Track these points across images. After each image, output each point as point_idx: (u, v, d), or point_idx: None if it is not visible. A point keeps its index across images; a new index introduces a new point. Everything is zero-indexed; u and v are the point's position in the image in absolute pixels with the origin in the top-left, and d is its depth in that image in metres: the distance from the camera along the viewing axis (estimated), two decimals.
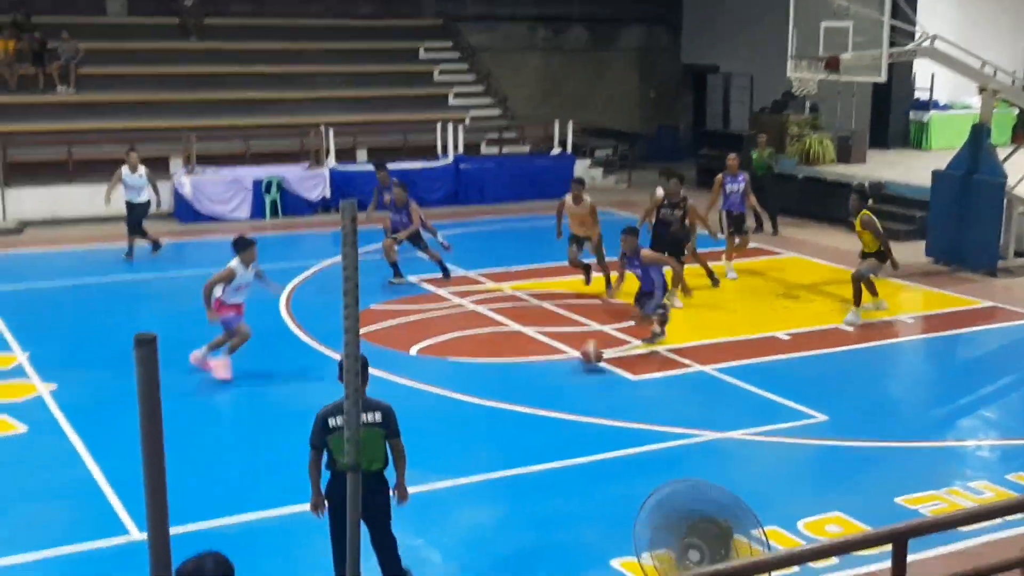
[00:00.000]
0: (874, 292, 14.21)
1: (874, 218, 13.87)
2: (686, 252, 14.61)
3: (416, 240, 15.62)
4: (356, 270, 3.91)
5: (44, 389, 11.22)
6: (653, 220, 14.63)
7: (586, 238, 15.17)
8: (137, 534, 7.93)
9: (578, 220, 15.17)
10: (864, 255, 14.10)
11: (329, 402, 6.76)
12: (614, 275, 13.94)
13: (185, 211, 20.59)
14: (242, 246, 11.44)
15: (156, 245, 17.34)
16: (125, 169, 16.74)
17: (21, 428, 10.19)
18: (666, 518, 5.88)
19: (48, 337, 13.09)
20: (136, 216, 16.94)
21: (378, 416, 6.66)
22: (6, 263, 17.31)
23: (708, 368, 12.14)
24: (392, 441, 6.77)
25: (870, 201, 14.32)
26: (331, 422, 6.66)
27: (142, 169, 16.82)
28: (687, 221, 14.41)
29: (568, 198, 15.30)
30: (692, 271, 15.19)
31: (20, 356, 12.24)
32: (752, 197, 16.50)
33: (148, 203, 17.03)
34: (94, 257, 17.08)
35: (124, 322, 13.27)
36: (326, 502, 6.82)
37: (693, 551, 5.95)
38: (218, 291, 11.34)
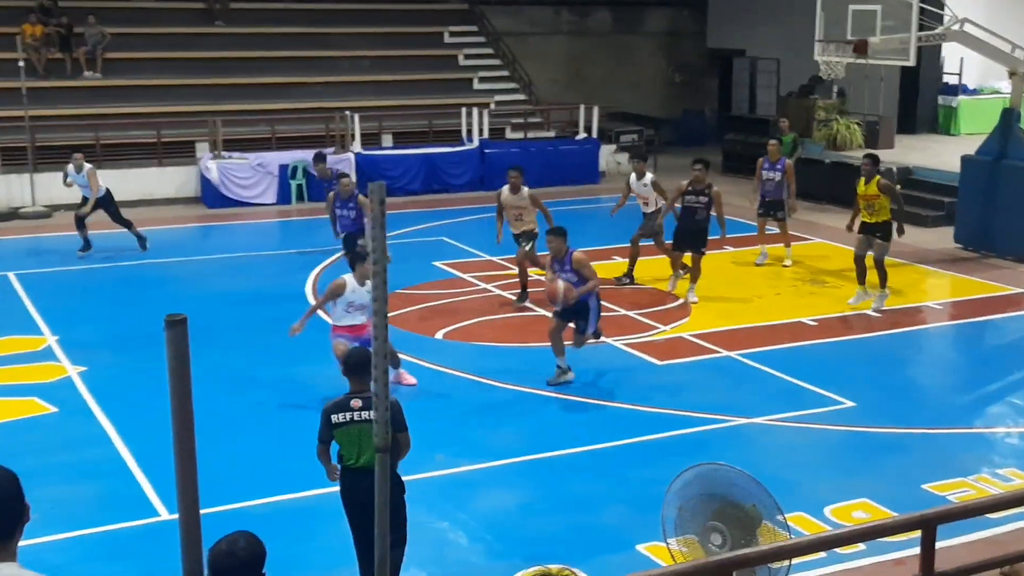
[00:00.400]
0: (863, 281, 13.81)
1: (889, 182, 13.74)
2: (703, 249, 14.02)
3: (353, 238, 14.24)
4: (384, 253, 3.90)
5: (74, 371, 11.32)
6: (679, 206, 14.20)
7: (525, 235, 13.72)
8: (167, 514, 8.00)
9: (515, 214, 13.74)
10: (866, 226, 13.56)
11: (350, 389, 6.76)
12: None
13: (211, 196, 20.67)
14: (359, 259, 10.08)
15: (87, 245, 16.56)
16: (71, 168, 16.51)
17: (52, 409, 10.29)
18: (691, 501, 5.87)
19: (77, 320, 13.19)
20: (84, 212, 16.47)
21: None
22: (36, 246, 17.46)
23: (734, 353, 12.10)
24: (398, 435, 6.53)
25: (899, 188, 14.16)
26: (334, 418, 6.60)
27: (87, 168, 16.46)
28: (713, 210, 13.95)
29: (504, 189, 13.82)
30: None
31: (50, 338, 12.35)
32: (793, 186, 16.24)
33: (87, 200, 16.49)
34: (122, 240, 17.17)
35: (153, 305, 13.33)
36: (341, 500, 6.74)
37: (715, 535, 5.94)
38: (333, 311, 10.30)
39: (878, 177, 13.43)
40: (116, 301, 14.20)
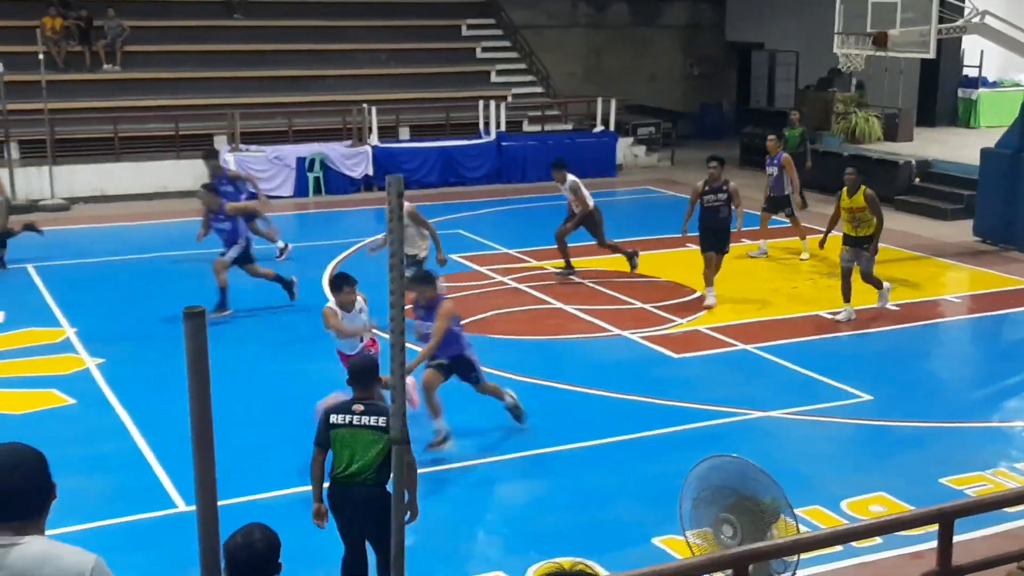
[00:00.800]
0: (850, 297, 12.97)
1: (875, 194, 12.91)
2: (727, 248, 13.73)
3: (242, 257, 13.00)
4: (401, 245, 3.91)
5: (92, 363, 11.37)
6: (698, 206, 13.67)
7: (410, 260, 12.12)
8: (183, 506, 8.04)
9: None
10: (850, 240, 12.87)
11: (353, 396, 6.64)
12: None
13: None
14: (335, 287, 9.30)
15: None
16: None
17: (70, 401, 10.35)
18: (706, 493, 5.87)
19: (95, 312, 13.24)
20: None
21: (382, 421, 6.33)
22: (55, 239, 17.51)
23: (750, 347, 12.08)
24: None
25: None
26: (333, 418, 6.48)
27: None
28: (733, 205, 13.61)
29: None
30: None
31: (68, 331, 12.41)
32: (795, 179, 16.15)
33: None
34: (140, 233, 17.24)
35: (170, 297, 13.38)
36: (330, 510, 6.55)
37: (727, 526, 5.94)
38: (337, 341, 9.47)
39: (864, 188, 12.74)
40: (134, 293, 14.25)
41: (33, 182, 19.79)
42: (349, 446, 6.40)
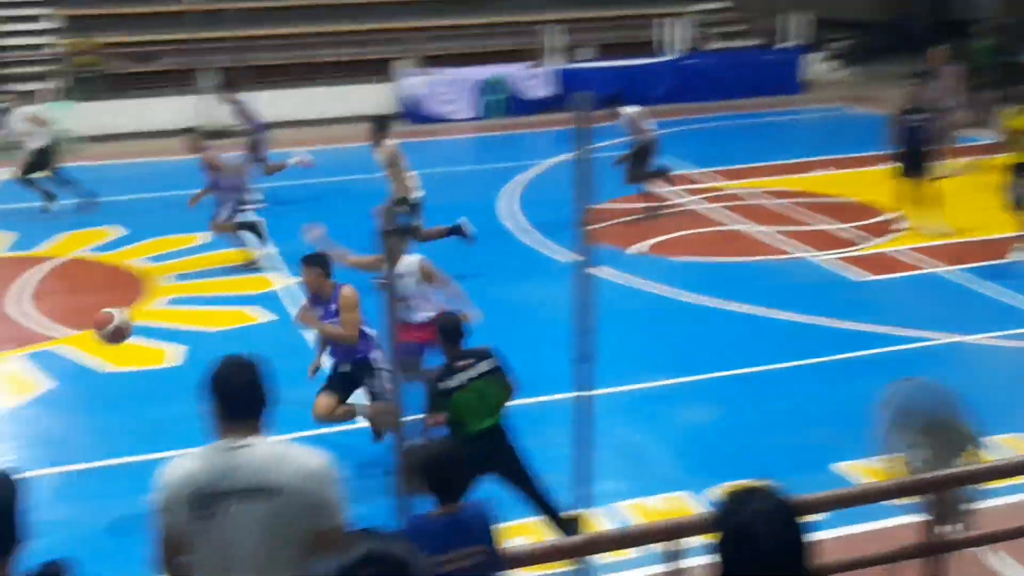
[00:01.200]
0: None
1: None
2: (934, 171, 12.98)
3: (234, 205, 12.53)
4: (590, 164, 3.93)
5: (292, 282, 11.81)
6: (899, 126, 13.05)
7: (399, 203, 11.34)
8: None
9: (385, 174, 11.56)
10: (1019, 167, 11.85)
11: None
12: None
13: (412, 112, 21.05)
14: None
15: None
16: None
17: (269, 318, 10.81)
18: (901, 417, 5.73)
19: (296, 232, 13.67)
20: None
21: (487, 364, 6.28)
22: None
23: (944, 269, 11.65)
24: (510, 383, 6.36)
25: None
26: (443, 386, 6.19)
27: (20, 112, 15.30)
28: (936, 126, 13.06)
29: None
30: None
31: (271, 250, 12.87)
32: (961, 94, 15.32)
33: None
34: (330, 156, 17.68)
35: (365, 216, 13.62)
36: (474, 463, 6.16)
37: (920, 451, 5.78)
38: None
39: None
40: (330, 214, 14.61)
41: (216, 108, 20.44)
42: (473, 404, 6.20)
